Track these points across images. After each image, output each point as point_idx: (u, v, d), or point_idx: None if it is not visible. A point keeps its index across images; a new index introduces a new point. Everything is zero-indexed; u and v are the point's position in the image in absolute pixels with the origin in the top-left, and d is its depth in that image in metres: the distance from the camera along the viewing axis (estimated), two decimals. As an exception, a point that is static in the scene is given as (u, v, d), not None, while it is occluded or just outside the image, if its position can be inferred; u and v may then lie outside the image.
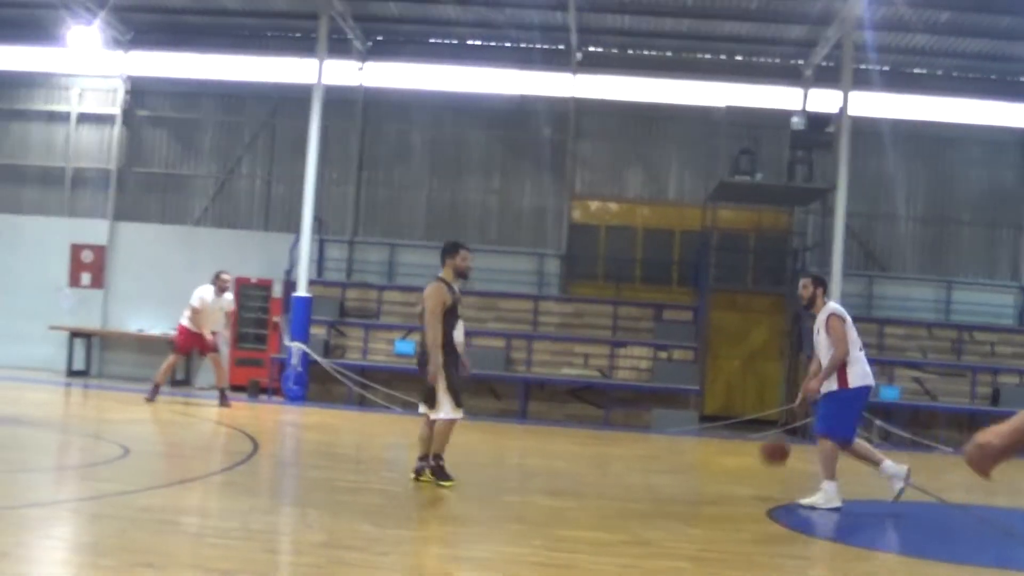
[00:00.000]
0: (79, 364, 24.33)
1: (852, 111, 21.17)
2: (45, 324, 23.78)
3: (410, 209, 25.14)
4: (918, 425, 21.22)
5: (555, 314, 23.48)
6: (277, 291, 23.69)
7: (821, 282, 12.05)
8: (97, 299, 25.13)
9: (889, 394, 21.25)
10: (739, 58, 24.84)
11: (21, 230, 24.68)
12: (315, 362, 21.69)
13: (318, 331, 22.61)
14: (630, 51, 25.10)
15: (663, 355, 22.42)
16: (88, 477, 10.85)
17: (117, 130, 25.81)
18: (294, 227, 23.00)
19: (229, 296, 19.39)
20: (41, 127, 26.18)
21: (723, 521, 10.36)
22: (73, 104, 26.08)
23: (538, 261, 24.39)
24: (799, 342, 22.81)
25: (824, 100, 23.53)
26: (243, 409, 19.21)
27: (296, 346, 21.54)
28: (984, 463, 3.48)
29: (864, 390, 11.55)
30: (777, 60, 24.65)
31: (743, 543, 9.20)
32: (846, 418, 11.51)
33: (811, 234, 24.03)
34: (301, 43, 24.70)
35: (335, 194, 25.06)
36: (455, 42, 25.27)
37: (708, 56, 24.99)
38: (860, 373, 11.49)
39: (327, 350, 22.44)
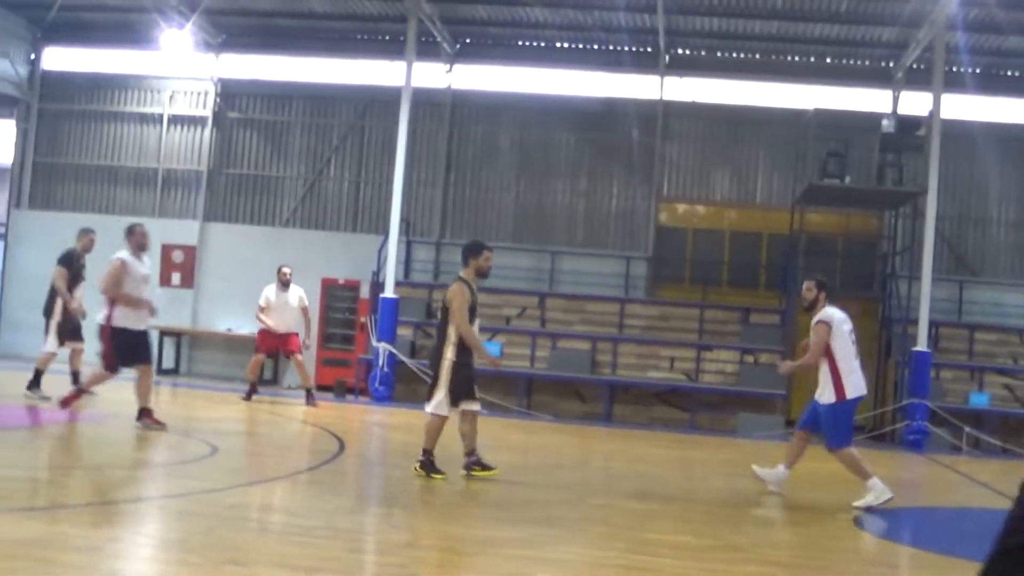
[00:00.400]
0: (169, 363, 24.65)
1: (943, 114, 20.85)
2: (137, 323, 24.07)
3: (497, 211, 25.17)
4: (1008, 432, 20.88)
5: (641, 317, 23.38)
6: (364, 292, 23.82)
7: (824, 286, 12.25)
8: (187, 299, 25.45)
9: (979, 400, 20.93)
10: (828, 60, 24.57)
11: (114, 230, 25.04)
12: (401, 363, 21.78)
13: (405, 332, 22.71)
14: (718, 53, 24.93)
15: (749, 359, 22.25)
16: (177, 474, 10.98)
17: (208, 132, 26.14)
18: (382, 228, 23.11)
19: (297, 291, 19.48)
20: (134, 129, 26.57)
21: (811, 527, 10.26)
22: (165, 106, 26.44)
23: (625, 264, 24.30)
24: (888, 347, 22.54)
25: (915, 103, 23.21)
26: (329, 409, 19.34)
27: (383, 347, 21.64)
28: None
29: (858, 400, 11.86)
30: (867, 62, 24.35)
31: (831, 550, 9.10)
32: (848, 426, 11.82)
33: (901, 238, 23.69)
34: (390, 46, 24.84)
35: (423, 196, 25.15)
36: (543, 44, 25.25)
37: (797, 58, 24.75)
38: (855, 384, 11.74)
39: (413, 351, 22.53)
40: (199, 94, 26.36)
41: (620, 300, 23.56)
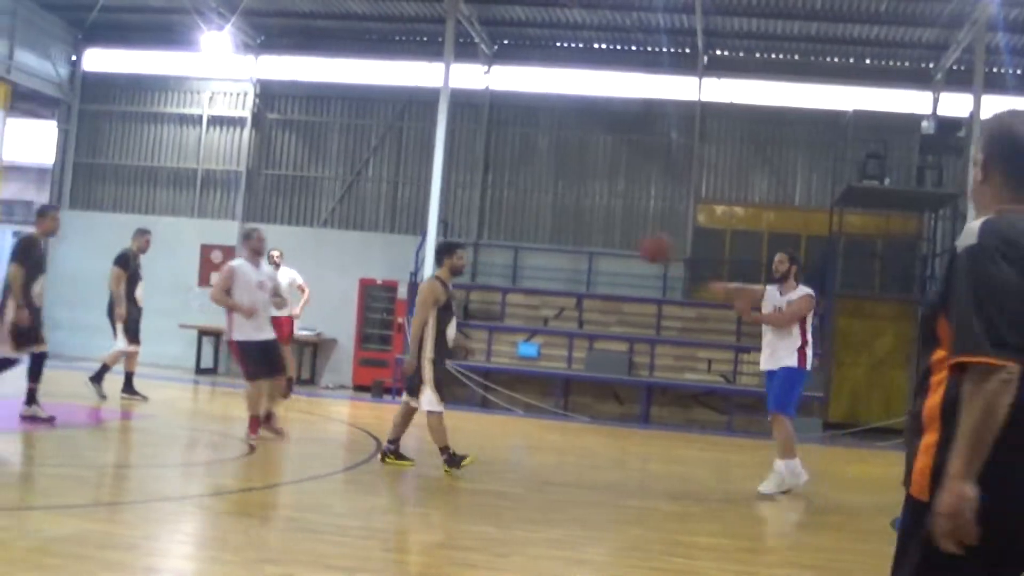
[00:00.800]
0: (207, 362, 24.80)
1: (983, 115, 20.72)
2: (176, 322, 24.23)
3: (535, 212, 25.17)
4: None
5: (678, 318, 23.32)
6: (402, 292, 23.87)
7: (796, 261, 12.67)
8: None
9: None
10: (868, 61, 24.44)
11: (154, 230, 25.14)
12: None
13: (441, 333, 22.70)
14: (757, 55, 24.85)
15: (788, 361, 22.13)
16: (214, 473, 11.06)
17: (247, 133, 26.28)
18: (420, 229, 23.16)
19: (288, 273, 19.29)
20: (173, 130, 26.74)
21: (847, 531, 10.23)
22: (204, 107, 26.60)
23: (662, 265, 24.24)
24: (927, 350, 22.39)
25: (955, 104, 23.08)
26: (367, 409, 19.41)
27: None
28: None
29: (809, 373, 12.40)
30: (907, 63, 24.21)
31: (867, 554, 9.06)
32: (795, 397, 12.17)
33: (940, 240, 23.55)
34: (428, 47, 24.88)
35: (460, 196, 25.19)
36: (581, 46, 25.25)
37: (836, 59, 24.63)
38: (811, 358, 12.27)
39: (452, 351, 22.52)
40: (238, 95, 26.50)
41: (657, 301, 23.51)
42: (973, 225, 3.58)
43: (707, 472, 14.78)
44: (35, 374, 13.03)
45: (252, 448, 12.52)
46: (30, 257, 13.03)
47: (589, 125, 24.97)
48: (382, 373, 22.86)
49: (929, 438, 3.58)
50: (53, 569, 6.40)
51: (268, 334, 13.46)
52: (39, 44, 25.71)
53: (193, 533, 8.15)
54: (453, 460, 11.78)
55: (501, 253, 24.95)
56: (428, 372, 11.76)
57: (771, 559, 8.53)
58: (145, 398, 16.57)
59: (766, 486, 11.77)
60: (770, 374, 12.28)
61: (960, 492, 3.37)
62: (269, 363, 13.35)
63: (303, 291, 19.75)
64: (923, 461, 3.59)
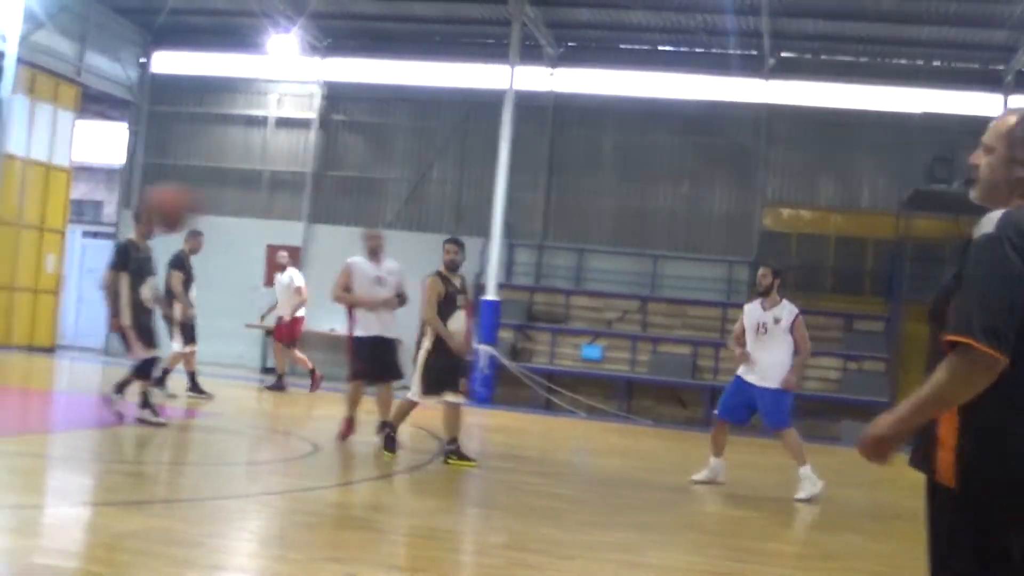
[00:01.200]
0: (272, 362, 24.94)
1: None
2: (241, 322, 24.42)
3: (599, 214, 25.11)
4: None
5: (743, 322, 23.17)
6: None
7: (779, 274, 12.64)
8: (292, 299, 25.80)
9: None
10: (936, 63, 24.20)
11: (221, 231, 25.41)
12: (502, 365, 21.85)
13: (506, 334, 22.79)
14: (824, 56, 24.70)
15: (853, 366, 21.99)
16: (278, 472, 11.14)
17: (313, 134, 26.47)
18: (483, 231, 23.19)
19: (289, 274, 20.50)
20: (241, 131, 27.01)
21: (911, 538, 10.12)
22: (271, 109, 26.84)
23: (727, 268, 24.14)
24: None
25: (1026, 106, 22.78)
26: (429, 410, 19.45)
27: (484, 349, 21.74)
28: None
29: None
30: (976, 65, 23.95)
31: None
32: (788, 406, 12.39)
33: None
34: (493, 49, 24.93)
35: (524, 198, 25.15)
36: (646, 48, 25.19)
37: (904, 61, 24.42)
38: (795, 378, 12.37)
39: (514, 353, 22.60)
40: (304, 97, 26.71)
41: (722, 305, 23.38)
42: (994, 215, 3.62)
43: (769, 477, 14.67)
44: (145, 374, 13.23)
45: (315, 446, 12.61)
46: (129, 261, 13.23)
47: (654, 127, 24.89)
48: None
49: (947, 425, 3.59)
50: (122, 565, 6.48)
51: (390, 332, 13.29)
52: (109, 47, 26.11)
53: (257, 531, 8.20)
54: (390, 443, 12.28)
55: (565, 255, 24.93)
56: (420, 364, 12.08)
57: (829, 565, 8.48)
58: (210, 396, 16.78)
59: (802, 493, 11.68)
60: (747, 386, 12.20)
61: (895, 433, 3.58)
62: (377, 366, 13.15)
63: (300, 293, 20.34)
64: (946, 450, 3.60)
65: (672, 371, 21.98)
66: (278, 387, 19.98)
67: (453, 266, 12.50)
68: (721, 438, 12.56)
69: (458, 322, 12.29)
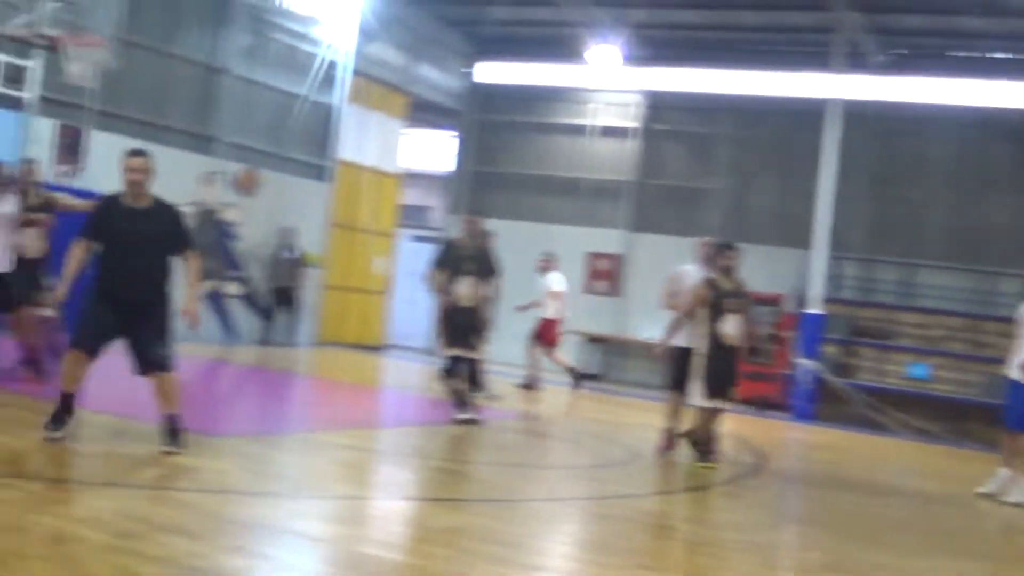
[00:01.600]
0: (592, 368, 25.06)
1: None
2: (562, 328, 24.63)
3: (928, 228, 24.07)
4: None
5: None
6: (787, 306, 23.42)
7: None
8: (612, 307, 25.88)
9: None
10: None
11: (542, 237, 25.73)
12: (825, 380, 21.31)
13: (829, 349, 22.20)
14: None
15: None
16: (596, 478, 11.12)
17: (634, 143, 26.50)
18: (805, 242, 22.63)
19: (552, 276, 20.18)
20: (563, 140, 27.31)
21: None
22: (592, 118, 27.03)
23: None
24: None
25: None
26: (749, 423, 19.15)
27: (806, 363, 21.25)
28: None
29: None
30: None
31: None
32: None
33: None
34: (814, 58, 24.26)
35: (848, 210, 24.33)
36: (976, 55, 24.00)
37: None
38: None
39: (838, 369, 22.00)
40: (625, 106, 26.78)
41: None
42: None
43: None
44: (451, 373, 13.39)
45: (634, 454, 12.54)
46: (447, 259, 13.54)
47: (987, 137, 23.69)
48: (765, 387, 22.42)
49: None
50: (440, 558, 6.58)
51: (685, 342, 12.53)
52: (438, 58, 26.92)
53: (572, 534, 8.21)
54: (704, 454, 11.95)
55: (892, 269, 24.03)
56: (700, 368, 11.83)
57: None
58: (496, 396, 16.48)
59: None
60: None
61: None
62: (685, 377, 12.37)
63: (557, 297, 20.10)
64: None
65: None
66: (530, 385, 19.48)
67: (728, 271, 12.45)
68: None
69: (729, 326, 11.94)
